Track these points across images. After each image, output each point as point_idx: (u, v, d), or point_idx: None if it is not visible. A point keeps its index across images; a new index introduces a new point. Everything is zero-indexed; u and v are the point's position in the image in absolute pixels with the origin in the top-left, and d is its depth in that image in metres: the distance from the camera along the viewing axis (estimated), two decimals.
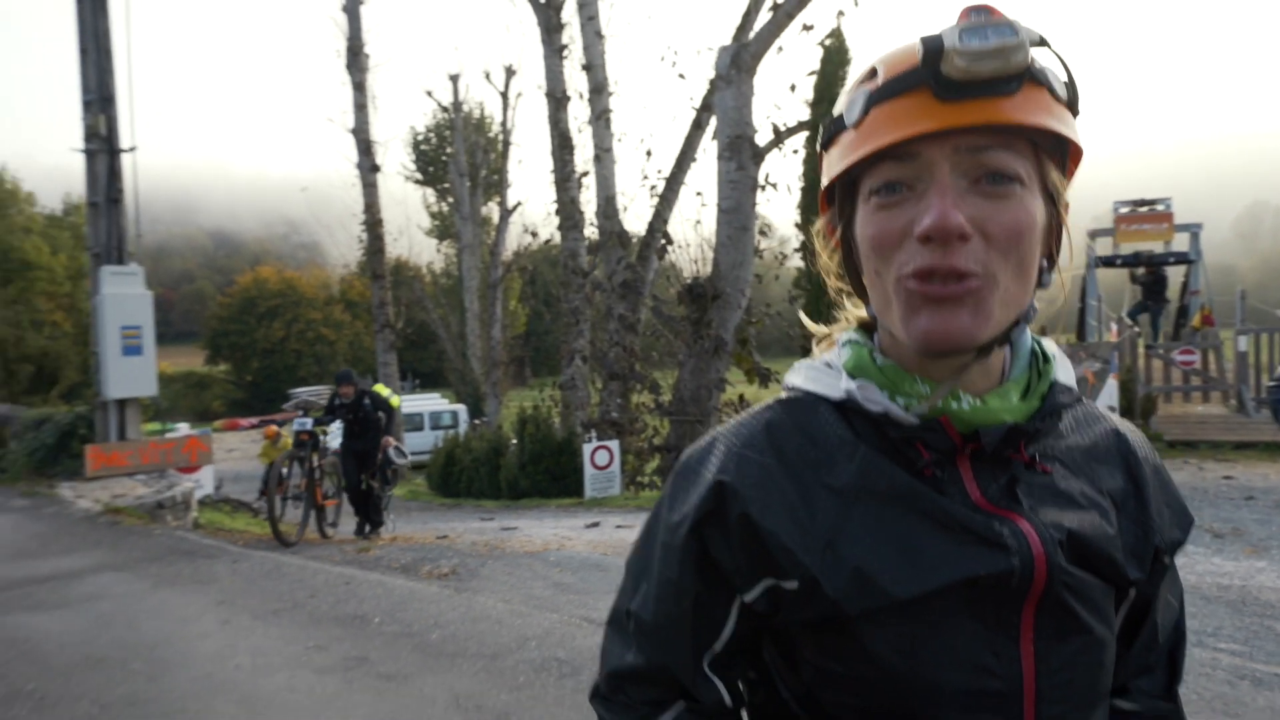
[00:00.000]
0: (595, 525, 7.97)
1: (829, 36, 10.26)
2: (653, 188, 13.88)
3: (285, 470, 7.25)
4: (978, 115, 0.62)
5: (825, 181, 0.72)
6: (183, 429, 10.60)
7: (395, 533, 7.98)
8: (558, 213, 15.04)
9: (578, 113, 15.16)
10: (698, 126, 13.95)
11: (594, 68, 14.92)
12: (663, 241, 13.28)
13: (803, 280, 10.35)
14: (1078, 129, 0.67)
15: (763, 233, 12.28)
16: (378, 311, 17.95)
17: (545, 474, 12.43)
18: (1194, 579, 4.86)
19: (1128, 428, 0.79)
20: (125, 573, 5.59)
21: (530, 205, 29.45)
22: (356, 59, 18.29)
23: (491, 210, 28.92)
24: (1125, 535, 0.72)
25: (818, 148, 0.74)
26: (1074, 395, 0.74)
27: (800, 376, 0.76)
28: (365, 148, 17.99)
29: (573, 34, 15.27)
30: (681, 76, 16.81)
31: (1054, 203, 0.69)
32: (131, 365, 9.17)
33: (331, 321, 52.82)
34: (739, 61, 12.48)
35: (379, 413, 7.69)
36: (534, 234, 17.54)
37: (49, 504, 8.05)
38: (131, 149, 9.26)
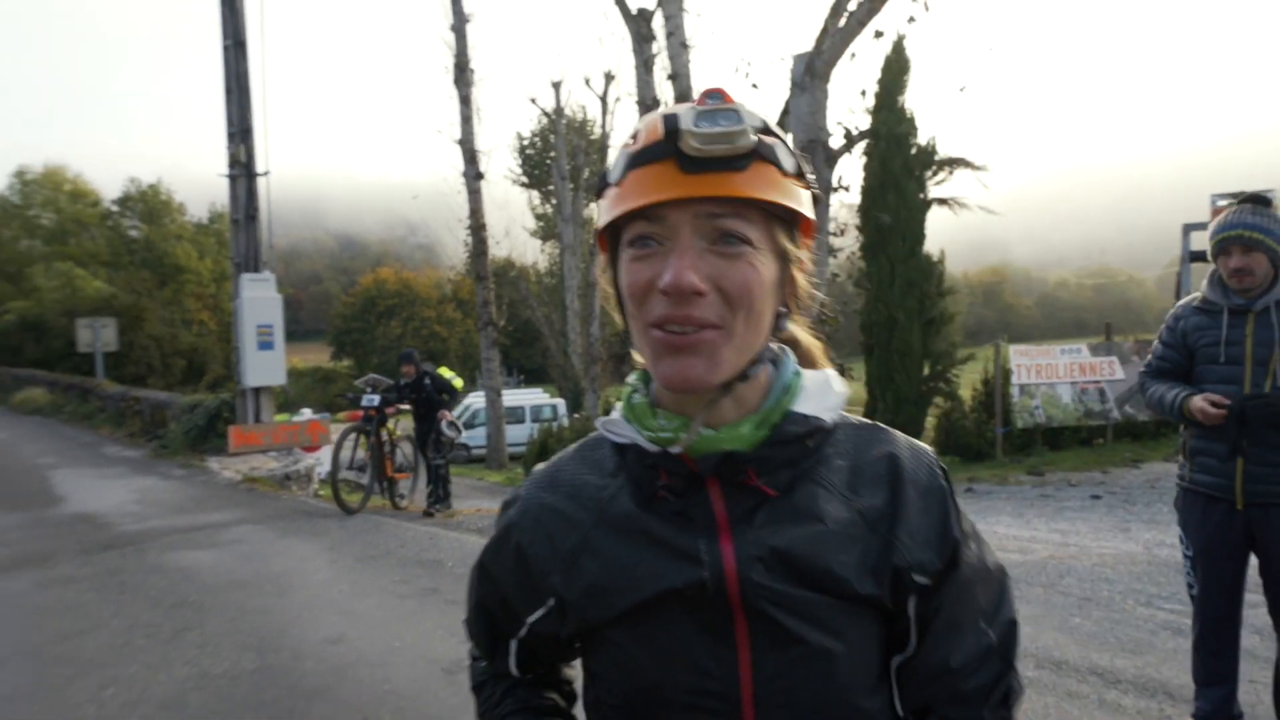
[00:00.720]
0: None
1: (892, 51, 10.65)
2: None
3: (350, 442, 7.53)
4: (712, 188, 0.70)
5: (598, 229, 0.80)
6: (306, 414, 12.11)
7: (477, 507, 9.03)
8: None
9: None
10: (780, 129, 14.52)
11: (678, 77, 15.50)
12: None
13: (863, 280, 10.79)
14: (806, 199, 0.77)
15: (837, 234, 12.72)
16: (481, 310, 19.14)
17: None
18: (1180, 556, 5.23)
19: (912, 453, 0.82)
20: (259, 525, 6.86)
21: None
22: (463, 74, 19.52)
23: (593, 211, 29.82)
24: (868, 553, 0.76)
25: (595, 196, 0.81)
26: (811, 425, 0.78)
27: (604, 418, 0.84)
28: (470, 157, 19.14)
29: (660, 44, 16.01)
30: (755, 86, 17.08)
31: (786, 261, 0.77)
32: (265, 359, 10.65)
33: (444, 319, 55.45)
34: (813, 68, 12.93)
35: (442, 394, 7.82)
36: None
37: (200, 474, 9.58)
38: (265, 173, 10.76)
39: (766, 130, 0.73)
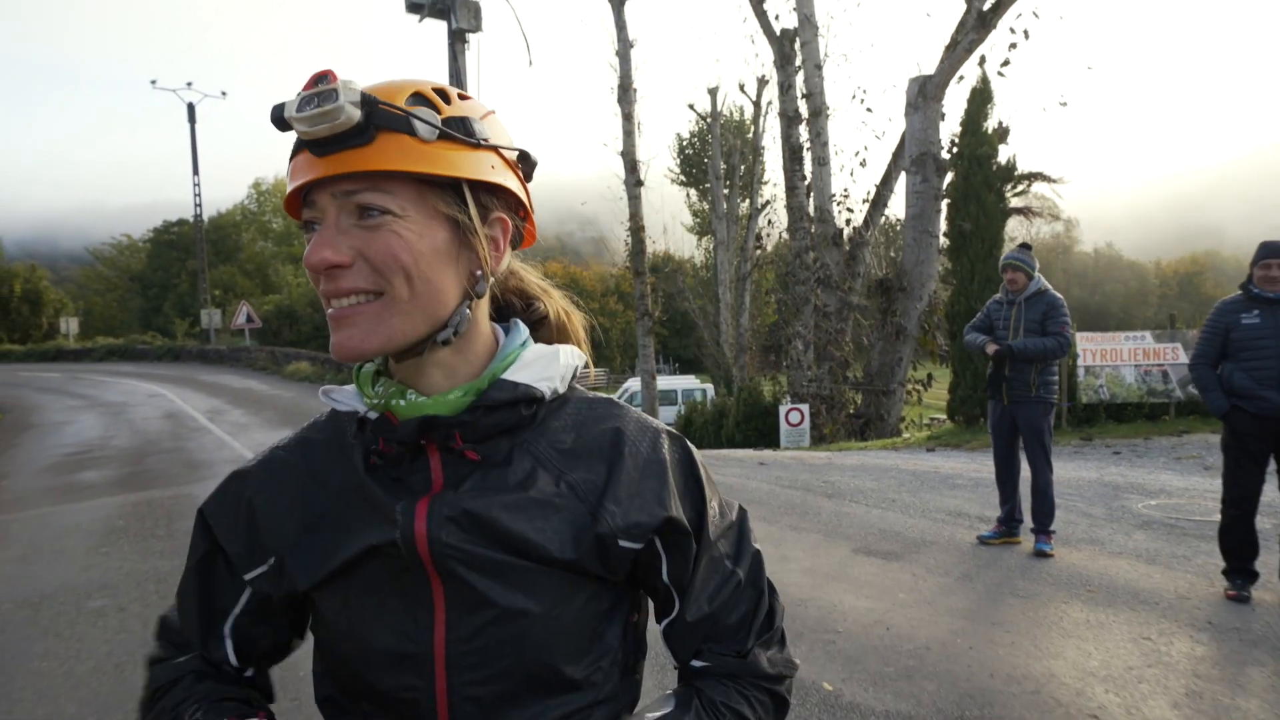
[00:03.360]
0: (763, 465, 10.14)
1: (978, 83, 12.56)
2: (866, 197, 16.57)
3: None
4: (337, 166, 0.72)
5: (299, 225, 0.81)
6: None
7: None
8: (788, 216, 18.13)
9: (805, 130, 17.96)
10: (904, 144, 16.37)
11: (812, 95, 17.61)
12: (868, 243, 16.08)
13: (948, 276, 12.76)
14: (472, 162, 0.75)
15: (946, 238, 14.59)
16: (639, 303, 21.65)
17: (755, 430, 15.66)
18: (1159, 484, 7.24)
19: (638, 428, 0.84)
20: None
21: (778, 204, 32.00)
22: (626, 94, 22.19)
23: (744, 208, 31.95)
24: (572, 522, 0.78)
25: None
26: (519, 392, 0.78)
27: None
28: (631, 166, 21.45)
29: (799, 64, 18.16)
30: (869, 110, 19.13)
31: (461, 229, 0.77)
32: None
33: (607, 311, 59.15)
34: (925, 91, 15.07)
35: None
36: (759, 238, 20.75)
37: None
38: None
39: (387, 105, 0.72)
